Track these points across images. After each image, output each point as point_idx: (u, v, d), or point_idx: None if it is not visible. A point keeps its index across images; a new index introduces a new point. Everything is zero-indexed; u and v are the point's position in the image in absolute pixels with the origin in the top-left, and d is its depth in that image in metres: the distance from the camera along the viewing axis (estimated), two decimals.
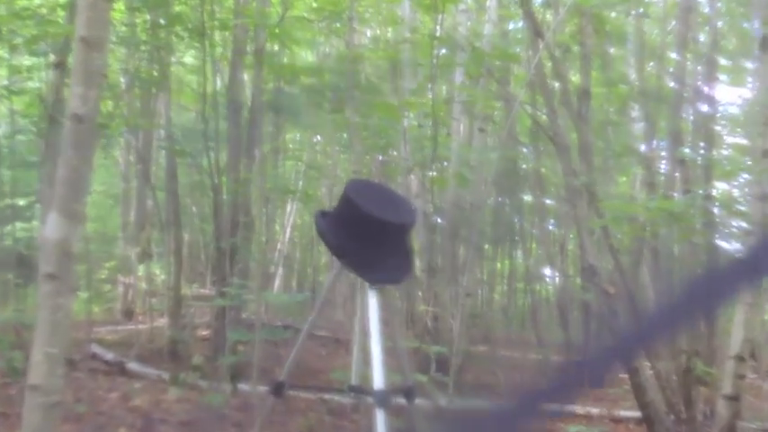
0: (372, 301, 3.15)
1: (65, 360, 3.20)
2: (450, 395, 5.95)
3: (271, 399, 3.64)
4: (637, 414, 5.87)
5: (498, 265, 12.82)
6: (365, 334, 3.20)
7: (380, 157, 9.52)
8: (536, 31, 6.37)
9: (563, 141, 6.22)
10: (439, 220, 8.50)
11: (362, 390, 3.33)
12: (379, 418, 2.98)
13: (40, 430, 3.04)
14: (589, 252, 5.98)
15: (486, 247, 11.81)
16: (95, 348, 7.82)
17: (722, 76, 11.06)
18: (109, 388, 6.40)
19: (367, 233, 3.12)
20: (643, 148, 8.91)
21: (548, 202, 11.49)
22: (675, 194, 7.03)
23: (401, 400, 3.49)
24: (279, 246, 13.03)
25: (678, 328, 0.96)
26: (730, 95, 19.81)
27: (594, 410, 6.50)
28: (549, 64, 6.99)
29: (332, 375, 5.91)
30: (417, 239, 8.13)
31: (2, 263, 8.28)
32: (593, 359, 0.95)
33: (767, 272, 0.90)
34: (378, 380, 3.03)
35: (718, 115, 10.64)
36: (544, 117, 7.06)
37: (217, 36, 8.50)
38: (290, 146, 12.80)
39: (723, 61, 10.78)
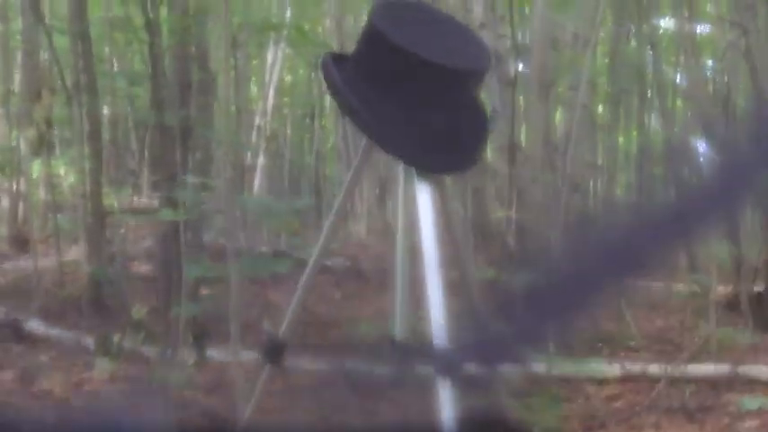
0: (424, 201, 3.10)
1: None
2: (551, 356, 5.94)
3: (267, 369, 3.66)
4: None
5: (621, 138, 12.77)
6: (412, 258, 3.18)
7: None
8: None
9: None
10: (521, 67, 8.41)
11: (413, 349, 3.31)
12: (444, 393, 2.95)
13: None
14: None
15: (601, 109, 11.75)
16: None
17: None
18: None
19: (410, 88, 3.06)
20: None
21: (699, 27, 11.35)
22: None
23: (476, 366, 3.47)
24: (258, 120, 13.03)
25: None
26: None
27: None
28: None
29: (355, 330, 5.93)
30: (488, 99, 8.07)
31: None
32: None
33: None
34: (439, 334, 3.00)
35: None
36: None
37: None
38: None
39: None
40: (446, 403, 2.95)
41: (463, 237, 6.22)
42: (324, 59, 3.31)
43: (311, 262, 3.58)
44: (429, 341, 3.06)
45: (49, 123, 10.35)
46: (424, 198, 3.10)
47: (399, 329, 3.40)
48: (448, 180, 3.86)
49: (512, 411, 3.94)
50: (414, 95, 3.08)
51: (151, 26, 7.31)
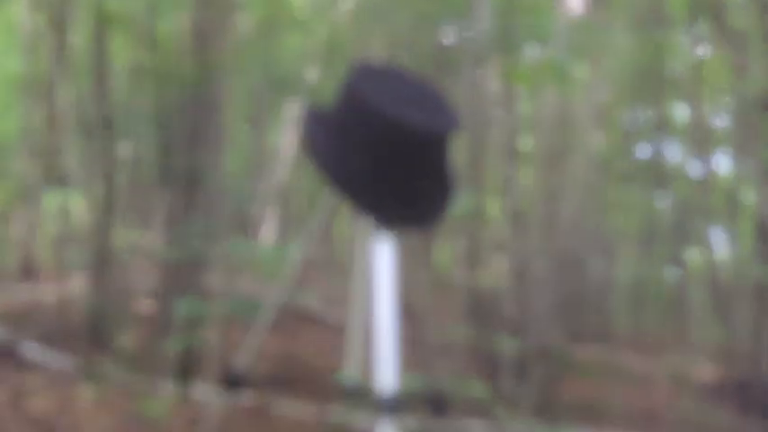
0: (384, 255, 3.18)
1: None
2: (527, 419, 6.03)
3: (222, 397, 3.75)
4: None
5: (626, 217, 12.79)
6: (369, 308, 3.26)
7: (439, 35, 9.53)
8: None
9: (728, 22, 6.19)
10: (530, 143, 8.51)
11: (363, 392, 3.40)
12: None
13: None
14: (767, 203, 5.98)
15: (608, 188, 11.78)
16: None
17: None
18: None
19: (379, 146, 3.15)
20: None
21: (712, 118, 11.42)
22: None
23: (428, 416, 3.58)
24: (275, 170, 13.10)
25: None
26: None
27: None
28: None
29: (337, 377, 6.02)
30: (491, 172, 8.18)
31: None
32: None
33: None
34: (387, 381, 3.09)
35: None
36: None
37: None
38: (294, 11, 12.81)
39: None
40: None
41: (426, 288, 6.31)
42: (304, 113, 3.40)
43: (274, 298, 3.68)
44: (377, 388, 3.16)
45: (63, 158, 10.49)
46: (387, 251, 3.20)
47: (353, 375, 3.50)
48: (416, 235, 3.96)
49: None
50: (384, 154, 3.16)
51: (169, 74, 7.47)
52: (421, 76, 3.46)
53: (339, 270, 12.11)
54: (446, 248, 10.07)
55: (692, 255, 11.74)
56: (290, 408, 6.52)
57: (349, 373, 3.52)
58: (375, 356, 3.18)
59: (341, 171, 3.21)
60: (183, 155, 7.23)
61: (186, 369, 6.49)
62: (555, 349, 7.10)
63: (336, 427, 6.22)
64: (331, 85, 12.68)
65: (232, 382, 3.64)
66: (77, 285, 9.10)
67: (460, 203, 3.84)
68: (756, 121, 6.29)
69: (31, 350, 7.49)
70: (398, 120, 3.11)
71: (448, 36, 9.72)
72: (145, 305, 8.83)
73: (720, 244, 11.37)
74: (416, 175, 3.24)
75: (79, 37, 11.49)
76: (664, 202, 12.33)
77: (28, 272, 11.33)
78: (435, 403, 3.59)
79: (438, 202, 3.38)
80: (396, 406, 3.11)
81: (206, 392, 5.93)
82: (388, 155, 3.16)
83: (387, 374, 3.12)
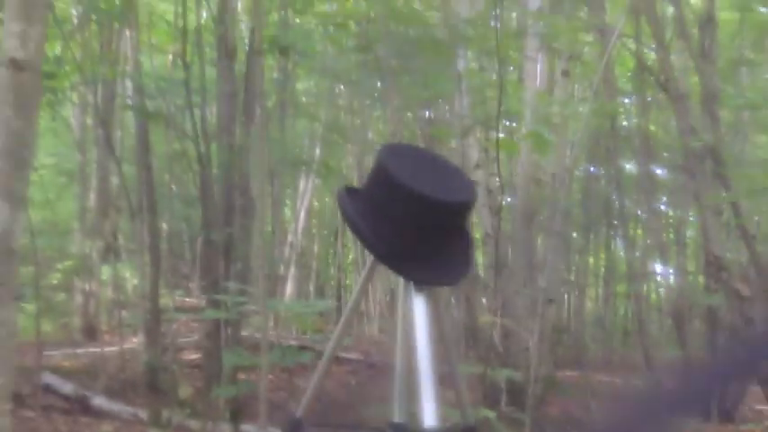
0: (419, 309, 3.18)
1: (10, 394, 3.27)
2: None
3: None
4: None
5: (591, 259, 12.82)
6: (410, 354, 3.24)
7: (427, 114, 9.54)
8: None
9: (678, 88, 6.20)
10: (508, 199, 8.50)
11: (408, 429, 3.37)
12: None
13: None
14: (714, 240, 5.99)
15: (575, 235, 11.79)
16: (49, 378, 7.94)
17: None
18: (69, 431, 6.52)
19: (409, 217, 3.15)
20: None
21: (658, 171, 11.44)
22: None
23: None
24: (290, 237, 13.11)
25: None
26: None
27: None
28: None
29: (366, 411, 5.96)
30: (479, 226, 8.16)
31: None
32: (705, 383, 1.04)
33: None
34: (428, 416, 3.07)
35: None
36: (652, 55, 7.04)
37: None
38: (303, 99, 12.84)
39: None
40: None
41: (452, 337, 6.29)
42: (339, 192, 3.39)
43: (327, 352, 3.65)
44: (421, 423, 3.12)
45: (115, 236, 10.50)
46: (420, 305, 3.19)
47: (398, 412, 3.46)
48: (443, 290, 3.94)
49: None
50: (414, 224, 3.16)
51: (202, 158, 7.46)
52: (440, 155, 3.46)
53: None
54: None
55: (647, 288, 11.75)
56: None
57: (393, 410, 3.47)
58: (417, 395, 3.16)
59: (376, 237, 3.21)
60: (219, 227, 7.22)
61: (237, 412, 6.43)
62: (543, 376, 7.05)
63: None
64: (334, 162, 12.69)
65: (292, 428, 3.59)
66: (133, 343, 9.07)
67: None
68: (699, 172, 6.29)
69: (100, 401, 7.44)
70: (424, 193, 3.12)
71: (436, 113, 9.74)
72: (192, 358, 8.80)
73: (670, 277, 11.38)
74: (441, 238, 3.24)
75: (123, 132, 11.54)
76: (620, 245, 12.34)
77: (90, 334, 11.30)
78: (468, 430, 3.55)
79: (460, 262, 3.37)
80: None
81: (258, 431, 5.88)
82: (417, 223, 3.16)
83: (429, 410, 3.09)
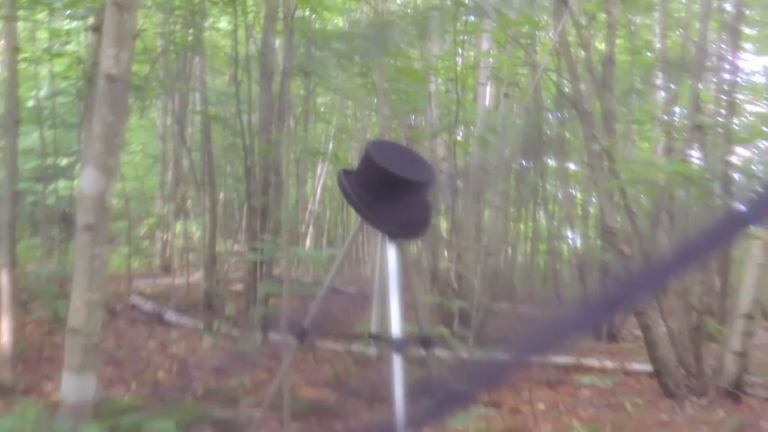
0: (391, 254, 3.23)
1: (106, 308, 3.31)
2: (471, 347, 6.02)
3: (295, 344, 3.75)
4: (648, 368, 5.92)
5: (522, 226, 12.78)
6: (384, 286, 3.28)
7: (408, 121, 9.52)
8: None
9: (585, 108, 6.21)
10: (463, 183, 8.52)
11: (381, 337, 3.41)
12: (397, 363, 3.06)
13: (80, 369, 3.16)
14: (608, 214, 6.01)
15: (511, 209, 11.79)
16: (135, 300, 8.00)
17: (747, 45, 10.84)
18: (148, 336, 6.56)
19: (386, 190, 3.18)
20: (665, 116, 8.81)
21: (570, 166, 11.43)
22: (693, 159, 7.00)
23: (419, 350, 3.58)
24: (309, 206, 13.11)
25: (672, 274, 1.05)
26: (755, 64, 19.46)
27: (608, 364, 6.55)
28: (574, 32, 6.94)
29: (357, 327, 6.01)
30: (443, 201, 8.18)
31: (46, 219, 8.42)
32: (585, 310, 1.08)
33: (759, 222, 1.00)
34: (395, 328, 3.11)
35: (741, 84, 10.46)
36: (569, 84, 7.04)
37: (249, 1, 8.53)
38: (321, 109, 12.80)
39: (748, 30, 10.55)
40: (398, 369, 3.06)
41: (416, 275, 6.33)
42: (339, 172, 3.42)
43: (326, 281, 3.68)
44: (390, 333, 3.16)
45: (185, 201, 10.50)
46: (391, 252, 3.23)
47: (375, 325, 3.49)
48: (408, 243, 3.97)
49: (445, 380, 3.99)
50: (389, 195, 3.19)
51: (247, 148, 7.47)
52: (411, 147, 3.49)
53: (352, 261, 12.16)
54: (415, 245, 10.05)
55: (560, 247, 11.75)
56: (331, 345, 6.52)
57: (371, 324, 3.51)
58: (388, 314, 3.20)
59: (362, 203, 3.24)
60: (258, 197, 7.22)
61: (266, 325, 6.47)
62: (483, 306, 7.07)
63: (357, 355, 6.21)
64: (342, 153, 12.64)
65: (300, 334, 3.63)
66: (196, 277, 9.09)
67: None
68: (598, 167, 6.30)
69: (171, 315, 7.47)
70: (397, 173, 3.15)
71: (414, 121, 9.73)
72: (237, 288, 8.83)
73: (577, 240, 11.37)
74: (410, 206, 3.27)
75: (192, 128, 11.52)
76: (543, 216, 12.32)
77: (165, 269, 11.33)
78: (425, 341, 3.58)
79: (423, 224, 3.39)
80: (402, 343, 3.11)
81: (280, 339, 5.91)
82: (391, 194, 3.19)
83: (396, 324, 3.13)
